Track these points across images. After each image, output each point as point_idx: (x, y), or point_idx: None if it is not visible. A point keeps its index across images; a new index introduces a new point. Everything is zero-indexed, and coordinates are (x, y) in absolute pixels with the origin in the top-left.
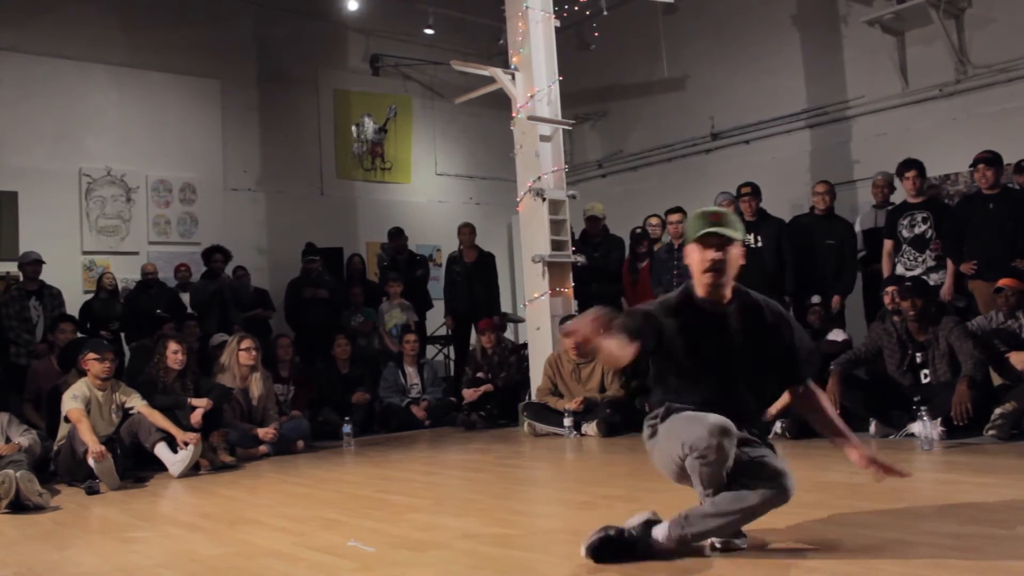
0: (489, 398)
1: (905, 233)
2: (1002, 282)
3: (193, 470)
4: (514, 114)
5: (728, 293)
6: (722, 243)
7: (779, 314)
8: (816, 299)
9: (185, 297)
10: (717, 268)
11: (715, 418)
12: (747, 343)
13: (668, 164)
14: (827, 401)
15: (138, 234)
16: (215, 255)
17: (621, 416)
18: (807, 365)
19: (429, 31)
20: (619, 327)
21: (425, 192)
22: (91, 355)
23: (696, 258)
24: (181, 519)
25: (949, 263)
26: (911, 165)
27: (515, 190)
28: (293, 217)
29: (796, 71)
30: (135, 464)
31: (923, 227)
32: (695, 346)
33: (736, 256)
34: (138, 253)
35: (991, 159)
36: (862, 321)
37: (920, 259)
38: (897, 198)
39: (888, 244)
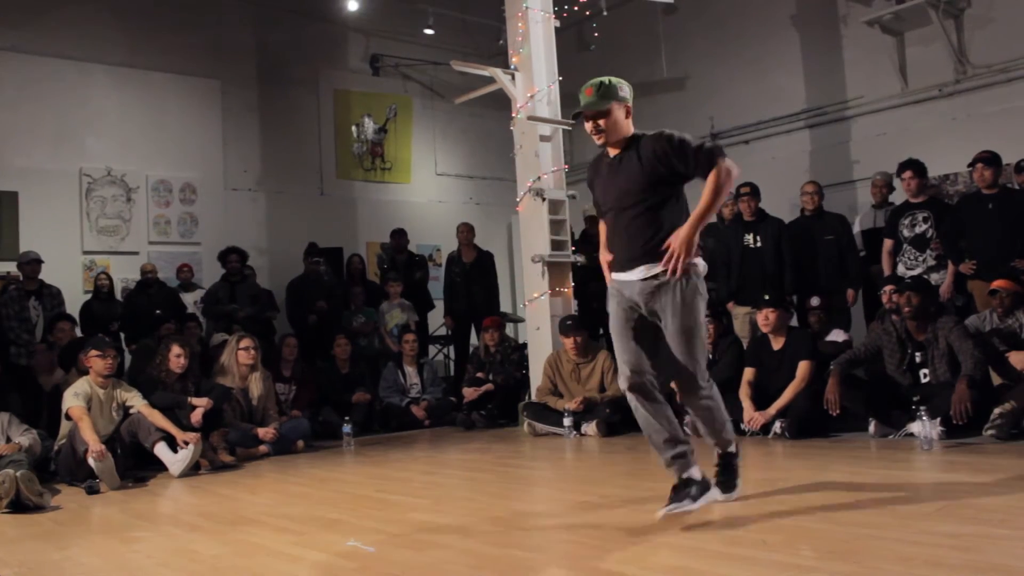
0: (489, 398)
1: (906, 232)
2: (996, 284)
3: (193, 470)
4: (514, 114)
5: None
6: (592, 115)
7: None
8: (815, 301)
9: (186, 297)
10: (599, 132)
11: None
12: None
13: None
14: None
15: (138, 234)
16: (231, 256)
17: (621, 416)
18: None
19: (429, 31)
20: None
21: (425, 192)
22: (93, 352)
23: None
24: (181, 519)
25: (949, 262)
26: (908, 166)
27: (515, 190)
28: (293, 217)
29: (796, 71)
30: (135, 464)
31: (924, 226)
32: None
33: (612, 119)
34: (138, 253)
35: (990, 159)
36: (862, 321)
37: (921, 258)
38: (896, 198)
39: (888, 243)
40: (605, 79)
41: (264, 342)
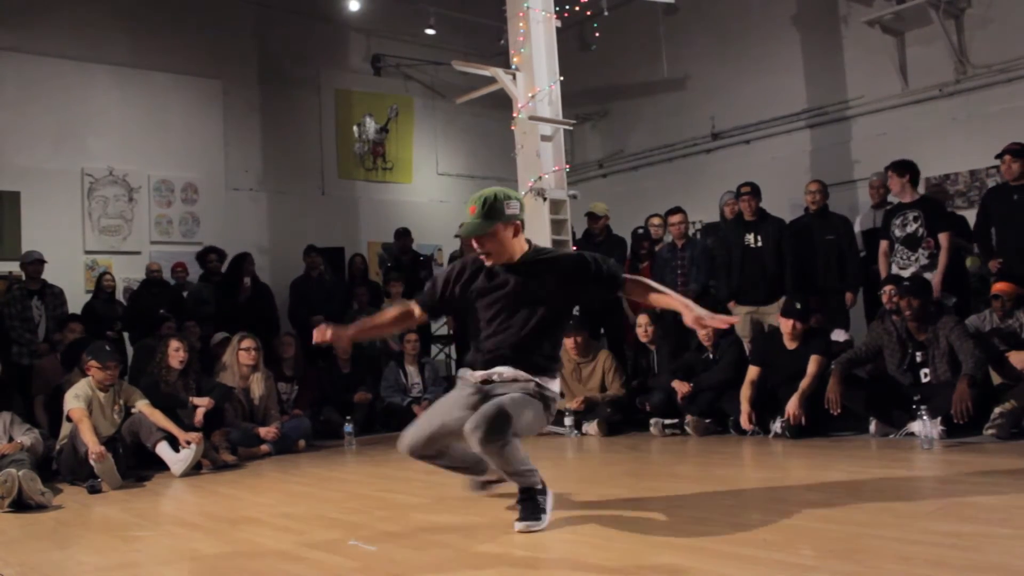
0: None
1: (897, 232)
2: (997, 288)
3: (195, 469)
4: (515, 114)
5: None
6: (473, 237)
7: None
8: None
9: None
10: (486, 254)
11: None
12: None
13: (669, 164)
14: (648, 282)
15: (140, 234)
16: (210, 255)
17: (622, 415)
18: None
19: (430, 31)
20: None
21: (426, 192)
22: (93, 363)
23: None
24: (183, 518)
25: (941, 260)
26: (890, 167)
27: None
28: (295, 217)
29: (796, 71)
30: (137, 463)
31: (915, 226)
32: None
33: (497, 240)
34: (140, 253)
35: (1019, 151)
36: (862, 321)
37: (912, 258)
38: (895, 198)
39: (884, 245)
40: (491, 194)
41: (267, 342)
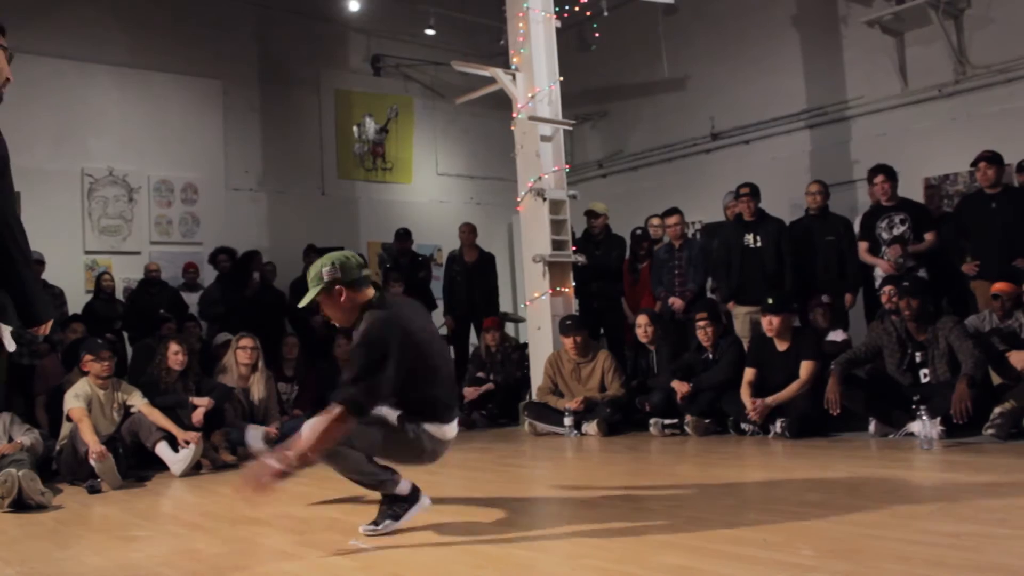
0: (490, 397)
1: (885, 236)
2: (996, 288)
3: (194, 469)
4: (515, 114)
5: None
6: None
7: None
8: (826, 299)
9: (190, 297)
10: (328, 319)
11: None
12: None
13: (668, 164)
14: (317, 430)
15: (140, 234)
16: (220, 256)
17: (621, 415)
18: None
19: (430, 32)
20: None
21: (426, 192)
22: (88, 357)
23: None
24: (183, 518)
25: (925, 245)
26: (879, 170)
27: (516, 190)
28: (294, 217)
29: (796, 71)
30: (137, 463)
31: (902, 228)
32: None
33: (326, 302)
34: (140, 253)
35: (992, 157)
36: (862, 321)
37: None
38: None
39: (863, 245)
40: (316, 265)
41: (274, 341)
